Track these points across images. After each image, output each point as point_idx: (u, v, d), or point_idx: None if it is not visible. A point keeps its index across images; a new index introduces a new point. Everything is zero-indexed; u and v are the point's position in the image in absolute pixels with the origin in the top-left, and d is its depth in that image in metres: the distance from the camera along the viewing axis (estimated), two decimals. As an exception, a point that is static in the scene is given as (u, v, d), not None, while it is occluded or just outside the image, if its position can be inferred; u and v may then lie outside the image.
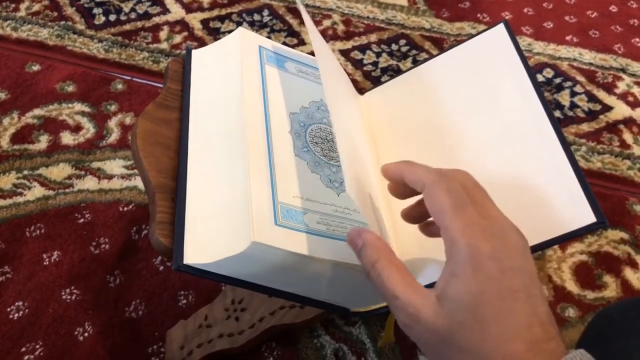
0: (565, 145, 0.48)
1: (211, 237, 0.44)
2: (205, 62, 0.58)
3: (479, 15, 1.19)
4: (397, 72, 1.04)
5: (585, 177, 0.47)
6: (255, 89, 0.52)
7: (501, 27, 0.57)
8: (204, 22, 1.13)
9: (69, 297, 0.73)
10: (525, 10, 1.21)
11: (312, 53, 0.54)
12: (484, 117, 0.53)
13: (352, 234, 0.41)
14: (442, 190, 0.38)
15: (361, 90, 0.65)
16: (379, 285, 0.39)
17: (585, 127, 0.99)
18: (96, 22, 1.10)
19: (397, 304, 0.37)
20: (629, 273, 0.80)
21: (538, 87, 0.52)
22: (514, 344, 0.34)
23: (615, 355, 0.48)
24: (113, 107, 0.95)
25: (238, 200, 0.44)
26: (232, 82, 0.53)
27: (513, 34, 0.56)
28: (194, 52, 0.59)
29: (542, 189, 0.47)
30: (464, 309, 0.35)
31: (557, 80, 1.06)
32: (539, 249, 0.46)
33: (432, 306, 0.36)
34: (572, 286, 0.78)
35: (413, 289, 0.37)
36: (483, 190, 0.40)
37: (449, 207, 0.37)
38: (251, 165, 0.45)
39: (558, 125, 0.49)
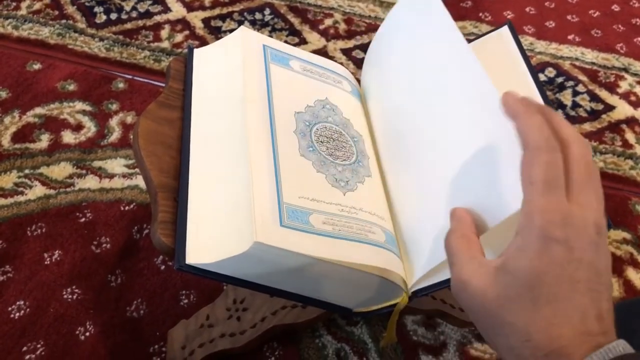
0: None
1: (213, 236, 0.44)
2: (207, 61, 0.57)
3: (480, 14, 1.18)
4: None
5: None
6: (260, 88, 0.52)
7: (505, 29, 0.57)
8: (205, 21, 1.13)
9: (70, 296, 0.73)
10: (527, 9, 1.21)
11: (314, 52, 0.54)
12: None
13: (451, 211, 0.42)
14: (541, 163, 0.36)
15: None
16: (446, 249, 0.40)
17: (587, 126, 0.99)
18: (97, 21, 1.10)
19: (453, 269, 0.38)
20: (631, 273, 0.80)
21: (542, 90, 0.51)
22: (563, 329, 0.33)
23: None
24: (114, 106, 0.95)
25: (241, 200, 0.44)
26: (234, 81, 0.53)
27: (517, 35, 0.56)
28: (195, 51, 0.59)
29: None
30: (520, 285, 0.35)
31: (559, 80, 1.06)
32: None
33: (485, 276, 0.36)
34: (574, 286, 0.78)
35: (471, 257, 0.38)
36: (588, 171, 0.37)
37: (540, 183, 0.35)
38: (254, 165, 0.45)
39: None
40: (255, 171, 0.45)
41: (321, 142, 0.51)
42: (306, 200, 0.45)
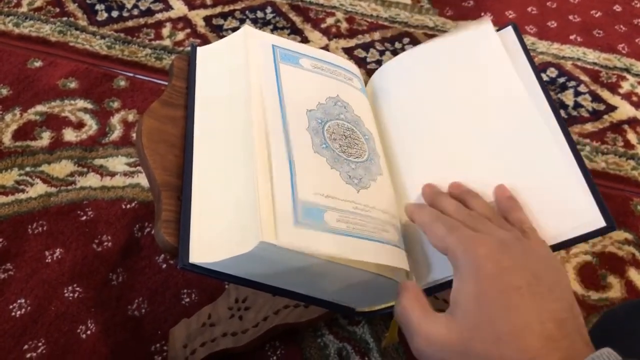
0: (574, 147, 0.48)
1: (217, 236, 0.43)
2: (211, 59, 0.57)
3: (482, 14, 1.18)
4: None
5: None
6: (269, 87, 0.51)
7: (509, 29, 0.57)
8: (207, 19, 1.12)
9: (71, 294, 0.73)
10: (529, 9, 1.21)
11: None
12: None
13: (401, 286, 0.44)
14: (439, 223, 0.42)
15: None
16: (400, 316, 0.41)
17: (589, 127, 0.99)
18: (98, 19, 1.10)
19: (412, 333, 0.39)
20: (633, 274, 0.80)
21: (546, 89, 0.51)
22: (528, 339, 0.34)
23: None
24: (116, 104, 0.95)
25: (245, 199, 0.43)
26: (238, 80, 0.52)
27: (521, 36, 0.56)
28: (199, 49, 0.58)
29: (550, 191, 0.47)
30: (472, 311, 0.36)
31: (561, 80, 1.06)
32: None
33: (443, 324, 0.37)
34: (576, 287, 0.78)
35: (425, 315, 0.39)
36: (489, 215, 0.44)
37: (445, 232, 0.41)
38: (260, 165, 0.45)
39: (566, 127, 0.49)
40: (260, 171, 0.44)
41: (334, 139, 0.51)
42: (321, 197, 0.45)
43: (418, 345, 0.38)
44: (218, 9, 1.15)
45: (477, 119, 0.53)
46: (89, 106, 0.94)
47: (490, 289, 0.36)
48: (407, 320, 0.40)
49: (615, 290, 0.78)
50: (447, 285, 0.46)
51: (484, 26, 0.57)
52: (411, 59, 0.60)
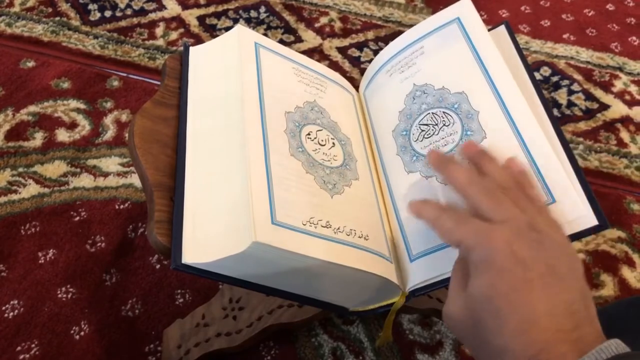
0: (567, 146, 0.48)
1: (210, 236, 0.43)
2: (203, 59, 0.57)
3: (476, 13, 1.18)
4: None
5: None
6: (253, 87, 0.51)
7: (502, 28, 0.57)
8: (201, 19, 1.12)
9: (64, 295, 0.73)
10: (522, 8, 1.21)
11: (308, 51, 0.54)
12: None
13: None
14: (446, 217, 0.40)
15: (358, 88, 0.65)
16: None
17: (582, 125, 0.99)
18: (91, 18, 1.10)
19: (446, 301, 0.40)
20: (626, 272, 0.80)
21: (539, 88, 0.51)
22: (534, 334, 0.34)
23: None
24: (109, 104, 0.95)
25: (238, 199, 0.43)
26: (230, 80, 0.52)
27: (514, 34, 0.56)
28: (191, 49, 0.58)
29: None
30: (480, 303, 0.36)
31: (555, 79, 1.06)
32: None
33: (460, 303, 0.38)
34: (569, 285, 0.78)
35: (459, 289, 0.39)
36: (508, 189, 0.41)
37: (454, 225, 0.39)
38: (252, 165, 0.45)
39: (559, 126, 0.49)
40: (253, 171, 0.44)
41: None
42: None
43: (444, 316, 0.40)
44: (212, 9, 1.14)
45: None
46: (82, 106, 0.94)
47: (501, 282, 0.35)
48: (450, 286, 0.41)
49: (609, 289, 0.78)
50: (441, 283, 0.46)
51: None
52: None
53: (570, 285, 0.36)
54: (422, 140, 0.51)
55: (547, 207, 0.43)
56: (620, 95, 1.04)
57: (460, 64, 0.52)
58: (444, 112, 0.51)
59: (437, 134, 0.50)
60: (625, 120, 1.00)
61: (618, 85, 1.06)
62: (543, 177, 0.46)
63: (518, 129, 0.47)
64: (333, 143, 0.53)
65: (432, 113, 0.52)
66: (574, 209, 0.45)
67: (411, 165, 0.51)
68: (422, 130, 0.52)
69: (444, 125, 0.50)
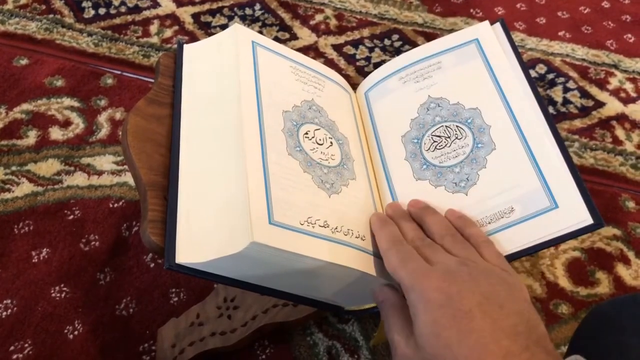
0: (562, 144, 0.48)
1: (204, 236, 0.43)
2: (198, 57, 0.57)
3: (471, 10, 1.18)
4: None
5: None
6: (250, 86, 0.51)
7: (497, 25, 0.57)
8: (195, 16, 1.12)
9: (58, 294, 0.72)
10: (518, 5, 1.21)
11: (304, 49, 0.53)
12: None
13: (376, 292, 0.46)
14: (393, 252, 0.43)
15: (354, 86, 0.65)
16: (382, 316, 0.44)
17: (578, 123, 0.99)
18: (85, 16, 1.09)
19: (392, 346, 0.42)
20: (621, 269, 0.80)
21: (534, 86, 0.51)
22: (487, 359, 0.35)
23: (610, 352, 0.48)
24: (103, 102, 0.94)
25: (233, 199, 0.43)
26: (226, 78, 0.52)
27: (509, 32, 0.56)
28: (185, 46, 0.58)
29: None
30: (428, 341, 0.38)
31: (550, 76, 1.06)
32: (534, 251, 0.46)
33: (411, 347, 0.40)
34: (565, 283, 0.78)
35: (403, 336, 0.41)
36: (449, 236, 0.45)
37: (397, 263, 0.42)
38: (249, 164, 0.44)
39: (554, 124, 0.49)
40: (249, 171, 0.44)
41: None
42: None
43: (392, 346, 0.42)
44: (206, 6, 1.14)
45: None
46: (76, 104, 0.93)
47: (442, 317, 0.37)
48: (387, 324, 0.43)
49: (604, 286, 0.78)
50: None
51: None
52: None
53: (510, 311, 0.38)
54: (433, 151, 0.53)
55: (489, 241, 0.45)
56: (615, 92, 1.04)
57: (476, 81, 0.54)
58: (457, 126, 0.53)
59: (449, 146, 0.52)
60: (621, 118, 1.00)
61: (613, 82, 1.06)
62: (548, 185, 0.46)
63: (528, 142, 0.49)
64: (331, 142, 0.52)
65: (446, 126, 0.53)
66: (570, 208, 0.45)
67: (420, 173, 0.52)
68: (435, 141, 0.53)
69: (457, 138, 0.52)
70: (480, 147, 0.51)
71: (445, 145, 0.52)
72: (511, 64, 0.54)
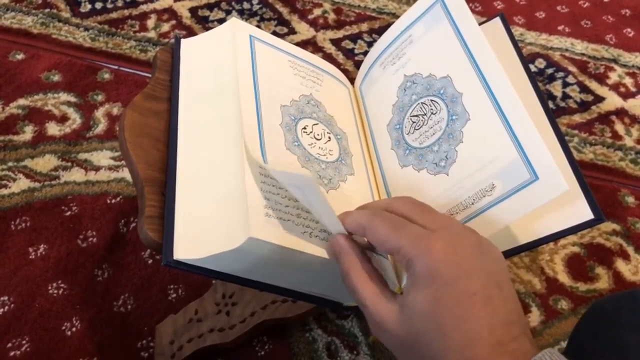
0: (562, 139, 0.47)
1: (202, 231, 0.43)
2: (195, 52, 0.56)
3: (471, 4, 1.17)
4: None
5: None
6: (248, 80, 0.50)
7: (497, 20, 0.56)
8: (193, 11, 1.11)
9: (55, 291, 0.72)
10: (517, -1, 1.20)
11: (302, 43, 0.53)
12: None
13: (330, 241, 0.41)
14: (379, 222, 0.38)
15: (352, 81, 0.64)
16: (352, 294, 0.40)
17: (577, 118, 0.99)
18: (82, 10, 1.08)
19: (366, 312, 0.38)
20: (621, 265, 0.80)
21: (534, 81, 0.51)
22: (477, 348, 0.34)
23: (609, 348, 0.48)
24: (100, 97, 0.93)
25: (231, 194, 0.43)
26: (224, 73, 0.51)
27: (509, 27, 0.55)
28: (183, 41, 0.57)
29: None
30: (423, 316, 0.35)
31: (550, 71, 1.06)
32: (534, 246, 0.45)
33: (395, 315, 0.37)
34: (564, 278, 0.78)
35: (379, 299, 0.38)
36: (423, 208, 0.40)
37: (390, 231, 0.37)
38: (247, 160, 0.44)
39: (554, 118, 0.49)
40: (247, 166, 0.44)
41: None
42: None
43: (373, 328, 0.38)
44: (204, 0, 1.13)
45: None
46: (73, 99, 0.93)
47: (446, 296, 0.35)
48: (360, 299, 0.39)
49: (603, 282, 0.78)
50: None
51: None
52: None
53: (507, 294, 0.36)
54: (413, 133, 0.51)
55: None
56: (615, 87, 1.04)
57: (444, 46, 0.51)
58: (431, 100, 0.50)
59: (426, 123, 0.50)
60: (620, 113, 1.00)
61: (613, 77, 1.05)
62: (527, 155, 0.43)
63: (502, 108, 0.45)
64: (329, 137, 0.52)
65: (421, 103, 0.51)
66: (570, 203, 0.44)
67: (404, 160, 0.51)
68: (413, 122, 0.51)
69: (432, 113, 0.49)
70: (454, 119, 0.48)
71: (423, 124, 0.50)
72: (511, 59, 0.53)
